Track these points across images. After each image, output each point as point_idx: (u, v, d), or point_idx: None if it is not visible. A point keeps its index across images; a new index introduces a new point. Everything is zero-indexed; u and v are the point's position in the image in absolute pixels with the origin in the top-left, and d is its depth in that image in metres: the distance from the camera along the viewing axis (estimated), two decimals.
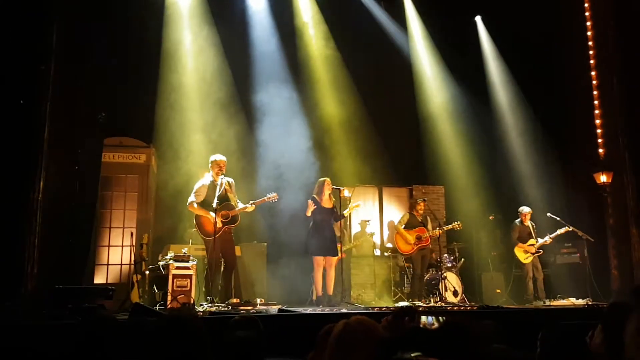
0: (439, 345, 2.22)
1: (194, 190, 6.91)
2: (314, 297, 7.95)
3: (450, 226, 8.87)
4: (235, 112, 9.48)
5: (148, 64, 8.99)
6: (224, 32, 9.73)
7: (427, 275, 8.98)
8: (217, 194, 6.70)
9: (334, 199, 7.86)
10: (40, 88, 6.31)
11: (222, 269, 7.00)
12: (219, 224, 6.72)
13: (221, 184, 6.84)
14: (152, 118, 8.88)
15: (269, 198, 7.13)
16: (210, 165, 7.00)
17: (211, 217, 6.69)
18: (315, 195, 7.77)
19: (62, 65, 6.69)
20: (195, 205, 6.83)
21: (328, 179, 7.88)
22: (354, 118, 10.52)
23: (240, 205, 6.97)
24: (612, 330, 2.14)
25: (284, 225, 8.88)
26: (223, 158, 7.05)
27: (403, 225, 8.74)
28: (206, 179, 7.00)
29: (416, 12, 11.49)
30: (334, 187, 7.88)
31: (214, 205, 6.64)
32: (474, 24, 11.63)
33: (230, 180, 7.08)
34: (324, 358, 1.88)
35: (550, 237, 9.00)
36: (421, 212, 8.77)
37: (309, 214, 7.62)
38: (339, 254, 7.88)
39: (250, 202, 7.04)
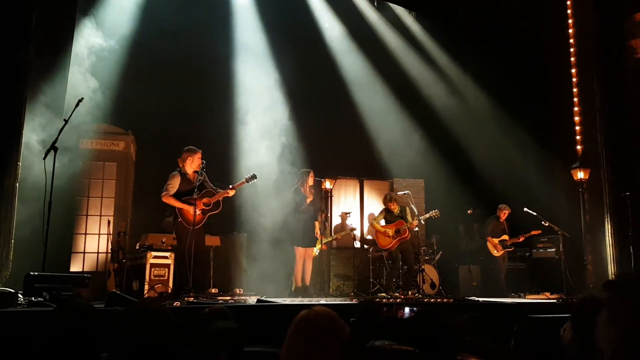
0: (413, 334, 2.25)
1: (167, 183, 6.79)
2: (293, 288, 7.98)
3: (427, 215, 8.82)
4: (216, 100, 9.43)
5: (127, 50, 8.86)
6: (205, 13, 9.64)
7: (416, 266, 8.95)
8: (196, 184, 6.69)
9: (312, 191, 7.91)
10: (18, 73, 6.19)
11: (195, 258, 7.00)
12: (201, 212, 6.71)
13: (194, 176, 6.81)
14: (131, 105, 8.76)
15: (247, 180, 7.02)
16: (188, 157, 6.84)
17: (189, 208, 6.63)
18: (298, 186, 7.82)
19: (41, 51, 6.58)
20: (168, 197, 6.72)
21: (312, 171, 7.91)
22: (336, 110, 10.55)
23: (220, 191, 6.92)
24: (580, 323, 2.18)
25: (263, 216, 8.86)
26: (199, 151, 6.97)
27: (381, 221, 8.67)
28: (178, 171, 6.87)
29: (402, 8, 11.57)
30: (316, 178, 7.97)
31: (194, 195, 6.62)
32: (455, 19, 11.68)
33: (204, 173, 6.92)
34: (290, 348, 1.90)
35: (523, 236, 9.27)
36: (396, 205, 8.65)
37: (308, 201, 7.74)
38: (321, 246, 7.96)
39: (230, 186, 6.99)
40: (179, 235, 6.78)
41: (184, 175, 6.83)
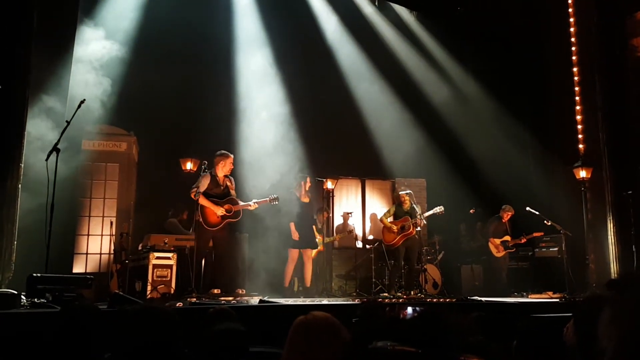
0: (415, 334, 2.25)
1: (198, 181, 7.06)
2: (295, 288, 8.05)
3: (431, 212, 8.84)
4: (218, 101, 9.43)
5: (128, 51, 8.85)
6: (205, 12, 9.64)
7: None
8: (221, 189, 7.08)
9: (310, 194, 8.06)
10: (20, 73, 6.20)
11: (209, 259, 7.19)
12: (220, 217, 6.96)
13: (223, 179, 7.11)
14: (133, 106, 8.76)
15: (271, 200, 7.34)
16: (220, 161, 7.10)
17: (216, 209, 6.94)
18: (294, 190, 7.97)
19: (43, 51, 6.58)
20: (198, 194, 6.93)
21: (308, 177, 8.13)
22: (337, 110, 10.55)
23: (242, 203, 7.22)
24: (584, 323, 2.18)
25: (265, 217, 8.87)
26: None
27: (389, 218, 8.73)
28: (209, 172, 7.12)
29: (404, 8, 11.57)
30: (318, 178, 8.08)
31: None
32: (456, 19, 11.66)
33: (231, 178, 7.31)
34: (291, 349, 1.89)
35: (525, 237, 9.27)
36: (407, 202, 8.73)
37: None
38: (318, 247, 8.02)
39: (253, 200, 7.29)
40: (197, 234, 7.02)
41: (213, 177, 7.08)
